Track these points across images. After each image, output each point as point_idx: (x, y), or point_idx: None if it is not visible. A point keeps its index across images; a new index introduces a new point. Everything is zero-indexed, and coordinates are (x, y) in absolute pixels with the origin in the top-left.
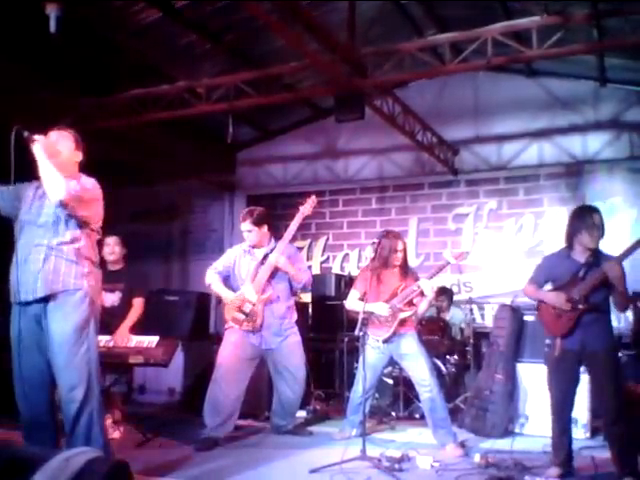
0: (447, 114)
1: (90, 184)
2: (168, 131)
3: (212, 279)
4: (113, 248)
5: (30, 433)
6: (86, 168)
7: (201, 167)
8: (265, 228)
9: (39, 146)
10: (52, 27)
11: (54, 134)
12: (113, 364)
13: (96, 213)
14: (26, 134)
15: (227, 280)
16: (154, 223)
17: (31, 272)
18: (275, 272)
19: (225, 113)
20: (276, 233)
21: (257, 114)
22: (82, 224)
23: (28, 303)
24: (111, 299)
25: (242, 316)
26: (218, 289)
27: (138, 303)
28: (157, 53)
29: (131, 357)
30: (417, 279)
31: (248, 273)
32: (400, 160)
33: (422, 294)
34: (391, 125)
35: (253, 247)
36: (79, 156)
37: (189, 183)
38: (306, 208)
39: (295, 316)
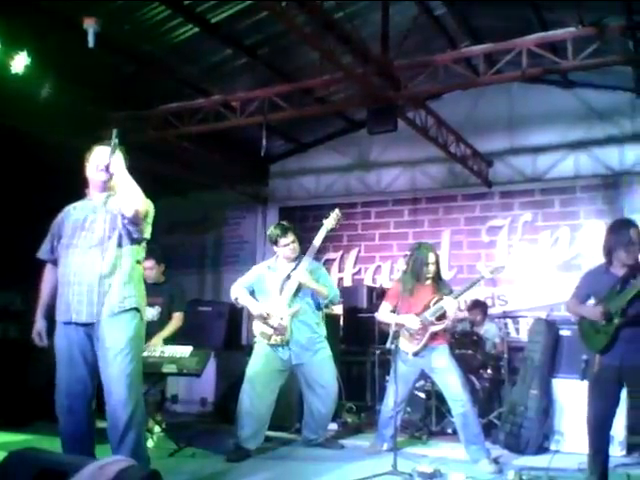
0: (481, 126)
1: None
2: (202, 143)
3: (238, 292)
4: (150, 272)
5: (69, 445)
6: None
7: (234, 179)
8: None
9: (121, 155)
10: (90, 42)
11: (104, 154)
12: (146, 373)
13: (148, 228)
14: (116, 140)
15: (252, 295)
16: (188, 234)
17: (85, 294)
18: (301, 287)
19: (259, 126)
20: (307, 246)
21: (290, 127)
22: (138, 239)
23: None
24: (151, 313)
25: (270, 330)
26: (246, 301)
27: (178, 316)
28: (193, 68)
29: (164, 366)
30: (450, 292)
31: (275, 288)
32: (433, 172)
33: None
34: (424, 137)
35: (290, 260)
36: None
37: (222, 195)
38: (330, 222)
39: (324, 330)
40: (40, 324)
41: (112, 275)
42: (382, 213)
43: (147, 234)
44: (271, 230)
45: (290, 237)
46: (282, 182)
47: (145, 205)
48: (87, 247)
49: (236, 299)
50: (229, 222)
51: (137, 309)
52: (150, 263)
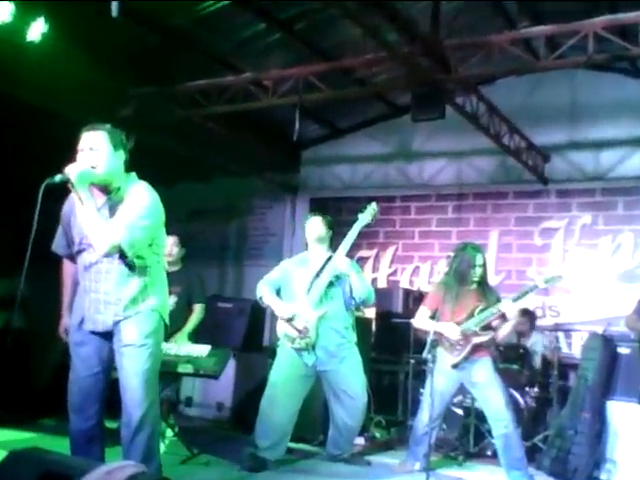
0: (539, 115)
1: (145, 200)
2: (230, 125)
3: (263, 291)
4: (172, 249)
5: (78, 446)
6: (140, 161)
7: (262, 165)
8: (330, 234)
9: (74, 184)
10: (114, 11)
11: (84, 142)
12: (160, 373)
13: (158, 235)
14: (58, 178)
15: (278, 294)
16: (210, 223)
17: (102, 303)
18: (332, 285)
19: (292, 108)
20: (341, 241)
21: (326, 110)
22: (145, 250)
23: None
24: None
25: (295, 333)
26: (270, 301)
27: (200, 308)
28: (223, 42)
29: (180, 366)
30: (498, 300)
31: (302, 286)
32: (482, 165)
33: (503, 317)
34: (474, 126)
35: (318, 241)
36: (122, 156)
37: (249, 181)
38: (365, 217)
39: (354, 336)
40: (67, 320)
41: (129, 280)
42: (423, 209)
43: (157, 240)
44: (306, 219)
45: (319, 217)
46: (314, 170)
47: (124, 234)
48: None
49: (261, 298)
50: (254, 212)
51: (156, 309)
52: (171, 239)
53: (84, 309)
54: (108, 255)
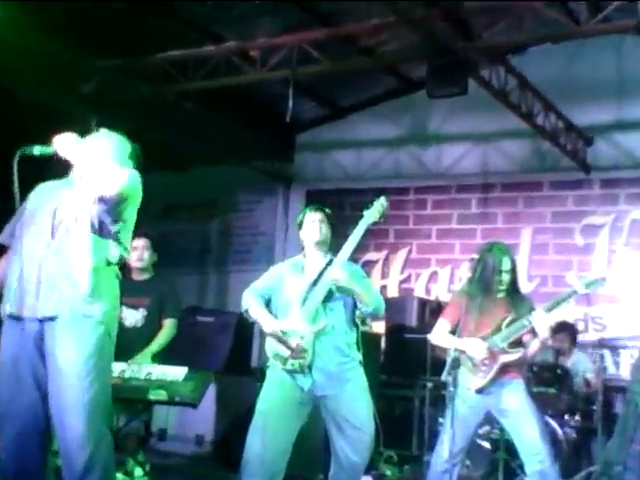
0: (579, 91)
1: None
2: (210, 104)
3: (250, 302)
4: (142, 253)
5: None
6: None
7: (249, 152)
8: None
9: (62, 144)
10: None
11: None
12: (127, 400)
13: (128, 219)
14: (37, 150)
15: (268, 305)
16: (187, 222)
17: (35, 283)
18: (332, 295)
19: (284, 83)
20: (342, 242)
21: (325, 85)
22: (111, 233)
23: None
24: (134, 317)
25: (287, 352)
26: (257, 314)
27: (170, 324)
28: (201, 6)
29: (151, 392)
30: (530, 310)
31: (297, 295)
32: (512, 150)
33: (534, 331)
34: (502, 103)
35: (317, 246)
36: None
37: (233, 172)
38: (372, 213)
39: (359, 354)
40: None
41: (71, 274)
42: (442, 202)
43: (125, 228)
44: (301, 213)
45: (320, 214)
46: (311, 157)
47: (129, 185)
48: (41, 236)
49: (246, 310)
50: (240, 207)
51: (101, 321)
52: (142, 242)
53: (17, 296)
54: (116, 199)
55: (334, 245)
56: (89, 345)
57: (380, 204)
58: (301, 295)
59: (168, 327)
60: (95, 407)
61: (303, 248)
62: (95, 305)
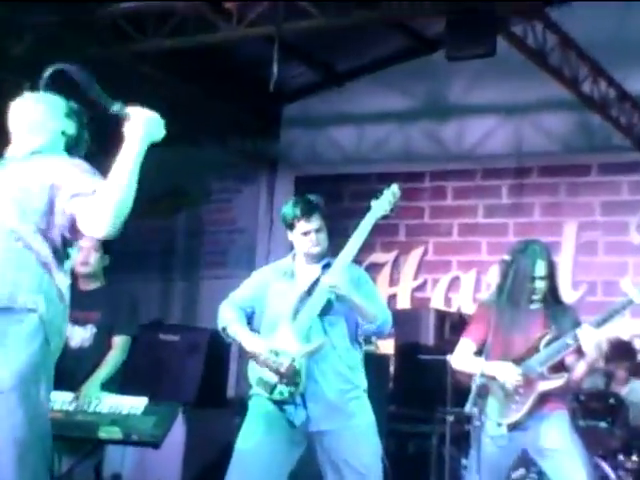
0: (635, 51)
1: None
2: (175, 69)
3: (228, 318)
4: (88, 256)
5: None
6: None
7: (224, 128)
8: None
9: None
10: None
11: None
12: (73, 439)
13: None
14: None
15: (251, 320)
16: (148, 216)
17: None
18: (331, 306)
19: (268, 43)
20: (339, 241)
21: (319, 46)
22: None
23: None
24: (80, 336)
25: (274, 378)
26: (238, 331)
27: (122, 344)
28: None
29: (102, 429)
30: (576, 324)
31: (286, 309)
32: (551, 125)
33: (580, 352)
34: (539, 67)
35: (312, 258)
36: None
37: (204, 154)
38: (382, 205)
39: (364, 380)
40: None
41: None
42: (465, 191)
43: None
44: (288, 208)
45: (315, 221)
46: (302, 135)
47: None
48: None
49: (224, 328)
50: (214, 198)
51: (45, 337)
52: (88, 241)
53: None
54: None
55: (330, 245)
56: (22, 363)
57: (391, 193)
58: (292, 307)
59: (119, 346)
60: (30, 447)
61: (292, 248)
62: (35, 314)
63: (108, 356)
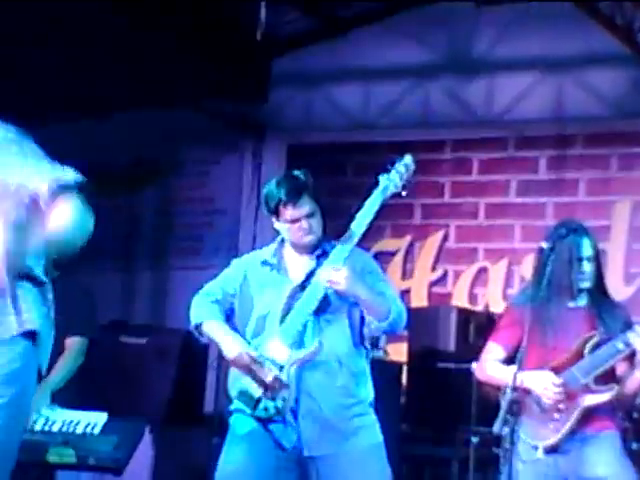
0: None
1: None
2: (141, 17)
3: (203, 315)
4: None
5: None
6: None
7: (201, 87)
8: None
9: None
10: None
11: None
12: (17, 463)
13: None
14: None
15: (230, 318)
16: (108, 193)
17: None
18: (328, 303)
19: None
20: (341, 222)
21: None
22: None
23: None
24: None
25: (258, 391)
26: (214, 332)
27: (76, 347)
28: None
29: (53, 452)
30: (628, 325)
31: (274, 306)
32: (599, 84)
33: (633, 359)
34: (586, 14)
35: (303, 248)
36: None
37: (176, 117)
38: (392, 181)
39: (370, 392)
40: None
41: None
42: (494, 164)
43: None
44: (270, 190)
45: (305, 205)
46: (296, 94)
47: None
48: None
49: (198, 326)
50: (188, 170)
51: (33, 333)
52: None
53: None
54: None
55: (330, 226)
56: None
57: (404, 166)
58: (281, 304)
59: (74, 349)
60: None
61: (279, 233)
62: (23, 314)
63: (60, 360)
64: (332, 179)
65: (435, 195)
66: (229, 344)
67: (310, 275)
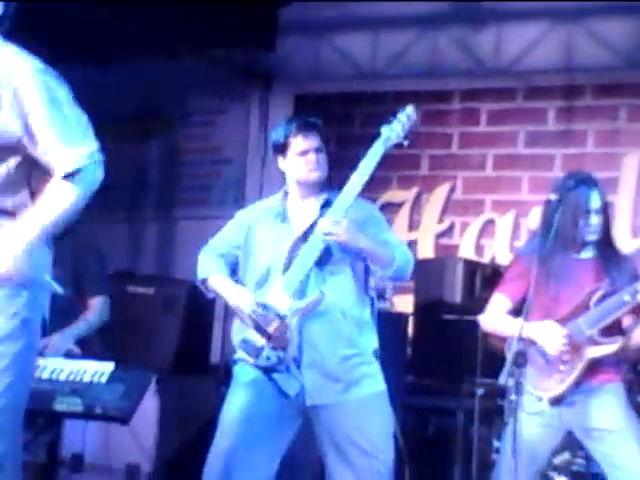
0: None
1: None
2: None
3: (209, 269)
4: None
5: None
6: None
7: (207, 35)
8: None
9: None
10: None
11: None
12: (26, 411)
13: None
14: None
15: (235, 271)
16: (113, 142)
17: None
18: (329, 255)
19: None
20: (348, 173)
21: None
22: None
23: None
24: None
25: (260, 339)
26: (219, 285)
27: (100, 306)
28: None
29: (60, 400)
30: (635, 277)
31: (277, 257)
32: (610, 34)
33: (639, 311)
34: None
35: (310, 187)
36: None
37: (181, 66)
38: (394, 131)
39: (374, 342)
40: None
41: None
42: (503, 114)
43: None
44: (279, 127)
45: (314, 139)
46: (303, 44)
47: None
48: None
49: (204, 281)
50: (194, 120)
51: (28, 291)
52: None
53: None
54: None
55: (335, 178)
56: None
57: (406, 116)
58: (284, 256)
59: (98, 308)
60: (6, 415)
61: (285, 181)
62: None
63: (86, 314)
64: (339, 129)
65: (442, 146)
66: (233, 294)
67: (313, 226)
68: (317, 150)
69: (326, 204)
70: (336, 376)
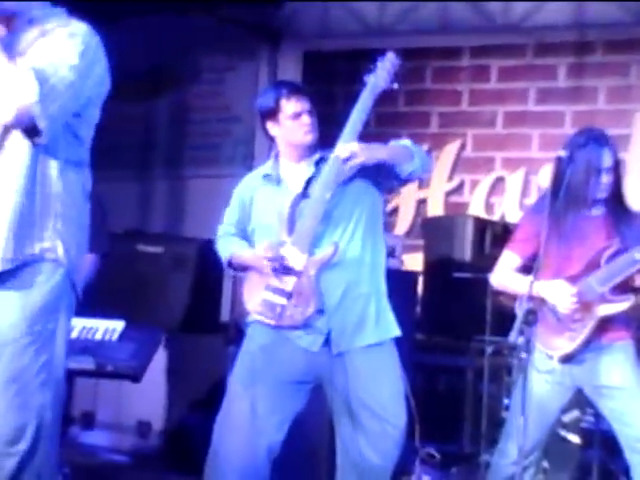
0: None
1: (77, 41)
2: None
3: (228, 248)
4: None
5: None
6: None
7: None
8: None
9: None
10: None
11: None
12: None
13: (90, 107)
14: None
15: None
16: (121, 101)
17: None
18: (332, 208)
19: None
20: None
21: None
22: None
23: None
24: None
25: (282, 300)
26: (240, 255)
27: (89, 261)
28: None
29: (71, 358)
30: None
31: (280, 218)
32: None
33: None
34: None
35: (304, 150)
36: None
37: (190, 23)
38: (379, 77)
39: (384, 295)
40: None
41: (18, 195)
42: (513, 71)
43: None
44: (265, 90)
45: (307, 101)
46: (311, 1)
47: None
48: None
49: (229, 262)
50: (203, 78)
51: (57, 260)
52: None
53: None
54: (15, 126)
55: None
56: (34, 300)
57: (388, 61)
58: (285, 216)
59: (87, 264)
60: (35, 391)
61: (272, 149)
62: (49, 242)
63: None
64: (348, 86)
65: (452, 103)
66: (251, 254)
67: (310, 181)
68: (310, 112)
69: (321, 160)
70: (358, 319)
